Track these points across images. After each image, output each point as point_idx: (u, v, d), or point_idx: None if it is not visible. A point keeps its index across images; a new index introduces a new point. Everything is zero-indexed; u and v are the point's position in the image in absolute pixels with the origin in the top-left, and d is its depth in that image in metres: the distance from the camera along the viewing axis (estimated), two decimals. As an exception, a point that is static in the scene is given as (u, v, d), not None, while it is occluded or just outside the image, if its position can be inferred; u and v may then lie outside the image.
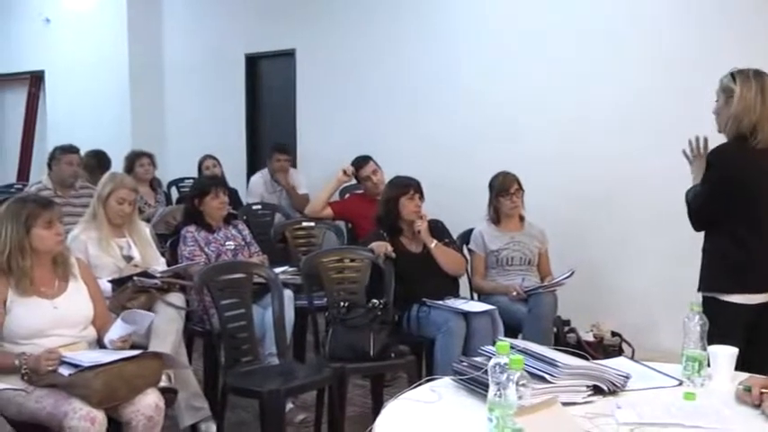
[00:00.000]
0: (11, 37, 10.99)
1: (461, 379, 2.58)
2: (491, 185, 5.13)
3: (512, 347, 2.27)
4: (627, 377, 2.59)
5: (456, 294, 4.79)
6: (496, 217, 5.13)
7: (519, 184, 5.09)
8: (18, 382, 3.19)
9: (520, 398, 2.10)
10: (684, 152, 3.52)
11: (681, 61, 5.29)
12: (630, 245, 5.62)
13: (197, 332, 4.64)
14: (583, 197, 5.80)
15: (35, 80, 10.86)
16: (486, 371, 2.20)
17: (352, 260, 4.64)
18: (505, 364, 2.11)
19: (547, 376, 2.42)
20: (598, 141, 5.72)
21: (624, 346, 4.99)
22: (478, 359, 2.61)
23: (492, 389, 2.11)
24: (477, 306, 4.59)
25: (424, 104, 6.80)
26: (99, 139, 7.80)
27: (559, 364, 2.44)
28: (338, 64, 7.51)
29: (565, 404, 2.30)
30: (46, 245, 3.40)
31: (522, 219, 5.19)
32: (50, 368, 3.18)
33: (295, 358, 4.70)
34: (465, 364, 2.65)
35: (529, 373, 2.21)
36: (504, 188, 5.06)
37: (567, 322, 4.99)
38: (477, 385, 2.47)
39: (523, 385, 2.12)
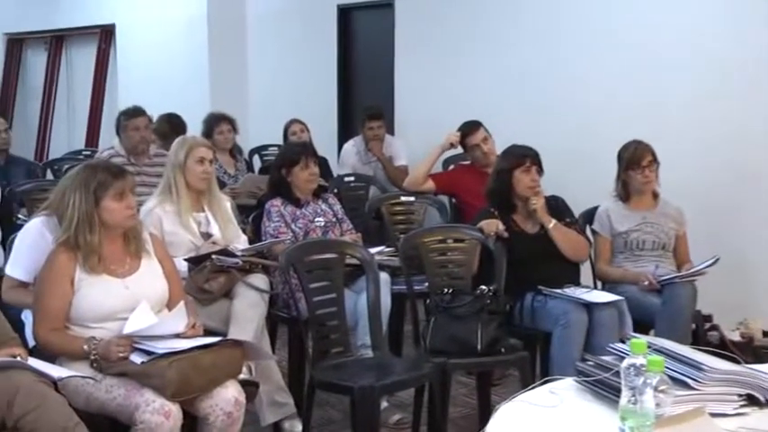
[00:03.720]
0: (79, -14, 11.29)
1: (586, 381, 2.53)
2: (620, 157, 5.03)
3: (649, 346, 2.21)
4: (788, 386, 2.48)
5: (577, 282, 4.72)
6: (626, 193, 5.03)
7: (653, 155, 4.96)
8: (87, 369, 3.27)
9: (658, 406, 2.04)
10: None
11: None
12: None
13: (281, 319, 4.69)
14: (729, 171, 5.63)
15: (105, 35, 11.12)
16: (618, 372, 2.15)
17: (458, 240, 4.63)
18: (642, 365, 2.08)
19: (690, 381, 2.35)
20: (751, 107, 5.52)
21: (779, 348, 4.85)
22: (607, 358, 2.57)
23: (625, 394, 2.08)
24: (601, 296, 4.51)
25: (542, 63, 6.69)
26: (174, 100, 7.95)
27: (706, 368, 2.37)
28: (442, 16, 7.45)
29: (713, 415, 2.23)
30: (116, 219, 3.46)
31: (655, 196, 5.08)
32: (122, 355, 3.25)
33: (391, 351, 4.71)
34: (591, 363, 2.61)
35: (669, 377, 2.15)
36: (635, 160, 4.94)
37: (709, 318, 4.88)
38: (605, 389, 2.42)
39: (663, 391, 2.07)
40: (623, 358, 2.15)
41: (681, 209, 5.09)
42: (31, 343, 3.50)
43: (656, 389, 2.04)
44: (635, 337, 2.28)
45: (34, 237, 3.72)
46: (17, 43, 12.59)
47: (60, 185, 3.68)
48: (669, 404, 2.07)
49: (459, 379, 4.79)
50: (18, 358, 3.04)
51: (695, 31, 5.79)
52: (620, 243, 4.98)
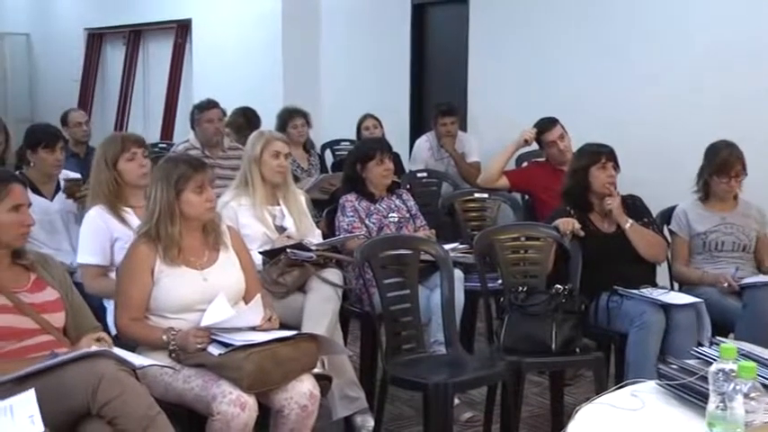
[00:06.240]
0: (157, -19, 11.44)
1: (670, 384, 2.47)
2: (708, 158, 4.84)
3: (738, 351, 2.14)
4: None
5: (653, 283, 4.64)
6: (705, 194, 4.90)
7: (743, 165, 4.76)
8: (166, 358, 3.30)
9: (749, 413, 1.98)
10: None
11: None
12: None
13: (353, 313, 4.67)
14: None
15: (181, 30, 11.26)
16: (704, 377, 2.09)
17: (533, 238, 4.58)
18: (731, 370, 2.00)
19: (781, 389, 2.27)
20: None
21: None
22: (692, 362, 2.50)
23: (713, 399, 2.02)
24: (679, 298, 4.42)
25: (619, 59, 6.58)
26: (248, 95, 7.99)
27: (796, 375, 2.29)
28: (516, 11, 7.38)
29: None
30: (196, 211, 3.49)
31: (735, 197, 4.94)
32: (199, 346, 3.27)
33: (462, 347, 4.68)
34: (674, 366, 2.55)
35: (762, 384, 2.08)
36: (724, 168, 4.73)
37: (791, 322, 4.74)
38: (691, 393, 2.37)
39: (754, 398, 2.00)
40: (708, 362, 2.09)
41: (763, 210, 4.95)
42: (113, 331, 3.54)
43: (746, 395, 1.97)
44: (721, 341, 2.21)
45: (96, 222, 3.95)
46: (97, 38, 12.83)
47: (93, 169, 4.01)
48: (761, 412, 2.01)
49: (530, 378, 4.73)
50: (103, 344, 3.06)
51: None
52: (698, 244, 4.86)
